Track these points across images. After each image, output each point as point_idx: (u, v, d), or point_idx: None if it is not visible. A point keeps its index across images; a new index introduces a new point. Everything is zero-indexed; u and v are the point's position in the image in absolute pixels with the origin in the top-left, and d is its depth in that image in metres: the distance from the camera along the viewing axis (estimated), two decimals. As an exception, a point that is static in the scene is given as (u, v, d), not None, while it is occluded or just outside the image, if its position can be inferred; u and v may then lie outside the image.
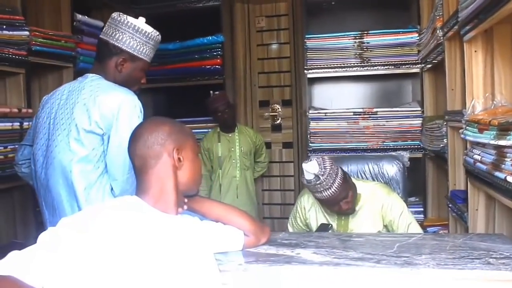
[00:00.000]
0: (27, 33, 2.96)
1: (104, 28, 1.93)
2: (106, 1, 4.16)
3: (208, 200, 1.69)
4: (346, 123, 3.83)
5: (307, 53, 3.94)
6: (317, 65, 3.93)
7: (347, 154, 3.69)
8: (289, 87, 4.49)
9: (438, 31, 2.83)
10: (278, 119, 4.51)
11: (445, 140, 2.82)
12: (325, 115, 3.89)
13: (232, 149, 3.81)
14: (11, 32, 2.87)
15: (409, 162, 2.93)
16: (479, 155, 1.99)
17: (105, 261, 1.17)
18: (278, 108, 4.51)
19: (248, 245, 1.65)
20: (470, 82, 2.24)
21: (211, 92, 3.85)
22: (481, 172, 1.94)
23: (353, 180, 2.42)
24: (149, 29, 1.91)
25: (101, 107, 1.75)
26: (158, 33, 1.97)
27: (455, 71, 2.70)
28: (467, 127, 2.11)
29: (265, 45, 4.58)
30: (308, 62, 3.94)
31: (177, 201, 1.42)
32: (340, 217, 2.40)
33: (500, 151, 1.74)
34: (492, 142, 1.75)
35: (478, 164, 1.97)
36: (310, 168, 2.18)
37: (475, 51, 2.22)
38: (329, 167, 2.19)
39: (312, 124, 3.90)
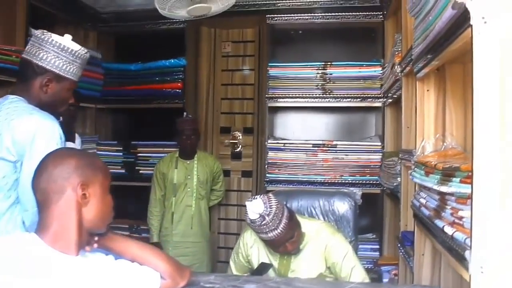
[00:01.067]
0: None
1: (27, 47, 1.82)
2: (71, 18, 4.04)
3: (123, 238, 1.54)
4: (305, 155, 3.75)
5: (269, 82, 3.88)
6: (278, 94, 3.86)
7: (300, 187, 3.61)
8: (252, 115, 4.40)
9: (396, 67, 2.79)
10: (239, 147, 4.40)
11: (399, 179, 2.75)
12: (284, 146, 3.81)
13: (189, 177, 3.62)
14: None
15: (361, 200, 2.85)
16: (424, 198, 1.90)
17: None
18: (239, 136, 4.40)
19: None
20: (421, 122, 2.18)
21: (185, 113, 3.72)
22: (424, 218, 1.84)
23: (299, 217, 2.31)
24: (75, 47, 1.81)
25: (15, 132, 1.64)
26: (86, 50, 1.87)
27: (411, 108, 2.63)
28: (415, 168, 2.02)
29: (230, 70, 4.49)
30: (269, 91, 3.88)
31: (80, 240, 1.31)
32: (283, 256, 2.29)
33: (442, 197, 1.64)
34: (435, 187, 1.66)
35: (423, 208, 1.88)
36: (255, 207, 2.05)
37: (427, 90, 2.16)
38: (275, 206, 2.08)
39: (270, 154, 3.82)
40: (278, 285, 1.66)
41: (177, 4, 2.68)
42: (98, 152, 4.27)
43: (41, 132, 1.64)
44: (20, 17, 3.31)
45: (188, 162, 3.65)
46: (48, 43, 1.75)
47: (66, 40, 1.80)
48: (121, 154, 4.26)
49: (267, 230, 2.06)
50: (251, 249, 2.37)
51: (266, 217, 2.04)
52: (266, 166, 3.84)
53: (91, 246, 1.38)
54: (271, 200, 2.09)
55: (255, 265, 2.33)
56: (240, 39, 4.46)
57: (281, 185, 3.79)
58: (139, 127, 4.63)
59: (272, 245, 2.20)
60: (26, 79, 1.80)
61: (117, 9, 4.24)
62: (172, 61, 4.10)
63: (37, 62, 1.76)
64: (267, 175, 3.82)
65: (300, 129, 4.29)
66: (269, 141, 3.85)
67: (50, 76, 1.78)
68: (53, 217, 1.27)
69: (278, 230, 2.06)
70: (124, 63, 4.32)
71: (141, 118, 4.57)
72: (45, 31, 1.80)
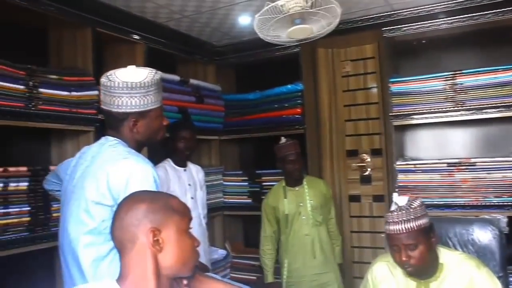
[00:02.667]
0: (96, 92, 3.01)
1: (101, 97, 1.79)
2: (189, 56, 4.18)
3: (212, 280, 1.45)
4: (439, 175, 3.39)
5: (393, 99, 3.60)
6: (404, 111, 3.57)
7: (437, 212, 3.22)
8: (379, 135, 4.11)
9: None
10: (368, 170, 4.13)
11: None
12: (415, 167, 3.48)
13: (301, 204, 3.35)
14: (79, 93, 2.92)
15: (507, 228, 2.44)
16: None
17: None
18: (367, 158, 4.13)
19: None
20: None
21: (282, 137, 3.47)
22: None
23: (438, 247, 2.08)
24: (142, 75, 1.71)
25: (110, 178, 1.62)
26: (154, 71, 1.77)
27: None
28: None
29: (352, 90, 4.27)
30: (394, 108, 3.60)
31: None
32: None
33: None
34: None
35: None
36: (399, 200, 2.04)
37: None
38: (416, 206, 1.99)
39: (400, 177, 3.52)
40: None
41: (278, 28, 2.58)
42: (224, 183, 4.32)
43: (134, 176, 1.61)
44: (139, 61, 3.45)
45: (297, 188, 3.40)
46: (116, 88, 1.69)
47: (131, 73, 1.72)
48: (246, 183, 4.26)
49: (391, 221, 1.97)
50: (381, 285, 2.14)
51: (400, 210, 1.97)
52: (396, 190, 3.52)
53: None
54: (416, 202, 2.02)
55: None
56: (359, 57, 4.22)
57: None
58: (263, 155, 4.59)
59: (389, 243, 2.02)
60: (115, 127, 1.77)
61: (232, 41, 4.29)
62: (290, 86, 4.02)
63: (116, 110, 1.72)
64: (398, 199, 3.51)
65: (433, 147, 3.91)
66: (397, 163, 3.55)
67: (134, 117, 1.74)
68: (129, 266, 1.22)
69: (399, 227, 1.94)
70: (244, 93, 4.34)
71: (264, 146, 4.53)
72: (108, 75, 1.73)
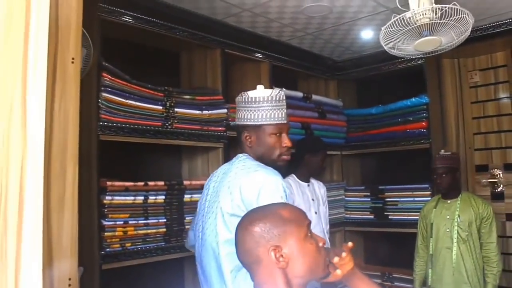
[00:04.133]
0: (225, 110, 3.18)
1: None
2: (311, 72, 4.25)
3: (367, 279, 1.46)
4: None
5: (528, 109, 3.35)
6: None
7: None
8: (512, 149, 3.85)
9: None
10: (500, 186, 3.86)
11: None
12: (556, 183, 3.20)
13: (448, 216, 3.29)
14: (210, 112, 3.10)
15: None
16: None
17: None
18: (499, 174, 3.87)
19: None
20: None
21: (442, 150, 3.45)
22: None
23: None
24: (261, 94, 1.83)
25: (242, 190, 1.71)
26: (277, 91, 1.87)
27: None
28: None
29: (481, 102, 4.04)
30: (529, 119, 3.35)
31: None
32: None
33: None
34: None
35: None
36: None
37: None
38: None
39: (539, 194, 3.25)
40: None
41: (404, 40, 2.53)
42: (346, 198, 4.29)
43: (265, 187, 1.68)
44: (264, 78, 3.58)
45: (448, 201, 3.33)
46: (240, 102, 1.88)
47: (255, 92, 1.85)
48: (369, 199, 4.20)
49: None
50: None
51: None
52: (534, 208, 3.29)
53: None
54: None
55: None
56: (489, 66, 3.99)
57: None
58: (386, 170, 4.51)
59: None
60: (239, 140, 1.93)
61: (353, 56, 4.29)
62: (414, 100, 3.91)
63: (236, 123, 1.92)
64: (536, 218, 3.27)
65: None
66: (535, 179, 3.30)
67: (247, 130, 1.86)
68: (261, 283, 1.26)
69: None
70: (366, 108, 4.30)
71: (387, 161, 4.46)
72: (242, 93, 1.88)
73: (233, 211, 1.71)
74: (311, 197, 3.22)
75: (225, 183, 1.80)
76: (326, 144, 3.40)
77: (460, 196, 3.31)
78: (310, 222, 1.32)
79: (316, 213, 3.18)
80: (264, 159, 1.88)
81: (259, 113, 1.83)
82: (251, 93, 1.85)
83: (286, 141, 1.89)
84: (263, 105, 1.82)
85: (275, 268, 1.24)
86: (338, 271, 1.36)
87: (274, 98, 1.83)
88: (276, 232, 1.25)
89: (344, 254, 1.34)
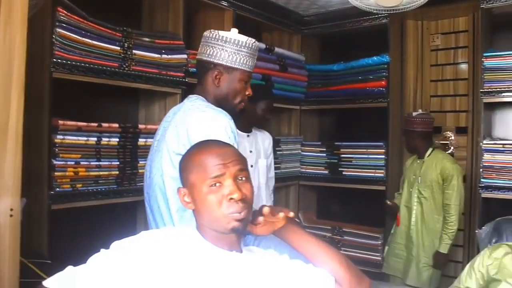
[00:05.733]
0: (185, 56, 3.13)
1: (199, 49, 1.91)
2: (276, 24, 4.19)
3: (304, 232, 1.43)
4: (530, 157, 3.21)
5: (485, 74, 3.43)
6: (496, 88, 3.39)
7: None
8: (465, 113, 3.95)
9: None
10: (450, 148, 3.97)
11: None
12: (503, 147, 3.33)
13: (414, 176, 3.42)
14: (169, 56, 3.03)
15: None
16: None
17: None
18: (451, 136, 3.98)
19: None
20: None
21: (420, 110, 3.57)
22: None
23: None
24: (241, 38, 1.82)
25: (189, 130, 1.70)
26: (253, 40, 1.86)
27: None
28: None
29: (440, 65, 4.10)
30: (485, 84, 3.43)
31: (238, 237, 1.30)
32: None
33: None
34: None
35: None
36: None
37: None
38: None
39: (486, 157, 3.38)
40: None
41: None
42: (303, 153, 4.34)
43: (213, 128, 1.67)
44: (227, 28, 3.49)
45: (418, 161, 3.45)
46: (213, 39, 1.82)
47: (231, 33, 1.84)
48: (324, 155, 4.25)
49: None
50: (490, 259, 2.20)
51: None
52: (481, 170, 3.40)
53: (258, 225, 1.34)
54: None
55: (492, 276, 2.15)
56: (451, 30, 4.03)
57: (499, 192, 3.32)
58: (344, 127, 4.57)
59: None
60: (201, 78, 1.89)
61: (319, 11, 4.25)
62: (375, 58, 3.92)
63: (206, 58, 1.84)
64: (482, 180, 3.39)
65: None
66: (484, 142, 3.41)
67: (219, 69, 1.83)
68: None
69: None
70: (328, 64, 4.30)
71: (345, 118, 4.52)
72: (212, 30, 1.86)
73: (179, 150, 1.69)
74: (249, 149, 3.05)
75: (172, 122, 1.80)
76: (271, 94, 3.27)
77: (429, 155, 3.41)
78: (224, 174, 1.26)
79: (252, 166, 3.02)
80: (223, 103, 1.87)
81: (237, 57, 1.82)
82: (229, 34, 1.83)
83: (250, 90, 1.93)
84: (242, 49, 1.82)
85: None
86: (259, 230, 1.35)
87: (252, 47, 1.85)
88: (185, 175, 1.30)
89: (261, 219, 1.31)
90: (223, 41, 1.80)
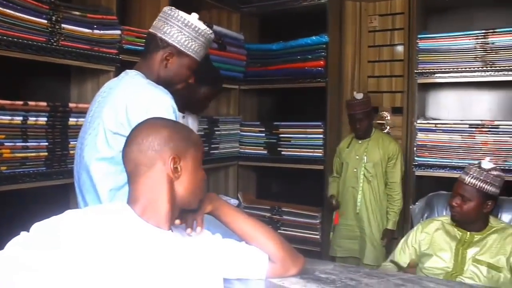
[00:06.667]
0: (118, 32, 2.99)
1: (154, 22, 1.84)
2: (215, 2, 4.09)
3: (236, 211, 1.46)
4: (460, 137, 3.33)
5: (419, 56, 3.50)
6: (430, 69, 3.47)
7: (454, 173, 3.16)
8: (401, 93, 4.04)
9: None
10: (386, 128, 4.06)
11: None
12: (435, 126, 3.43)
13: (357, 156, 3.48)
14: (101, 32, 2.89)
15: None
16: None
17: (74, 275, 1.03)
18: (387, 116, 4.06)
19: (272, 274, 1.40)
20: None
21: (355, 93, 3.59)
22: None
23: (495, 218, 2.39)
24: (201, 25, 1.79)
25: (128, 109, 1.62)
26: (210, 31, 1.83)
27: None
28: None
29: (377, 46, 4.17)
30: (419, 66, 3.51)
31: (172, 215, 1.24)
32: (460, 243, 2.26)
33: None
34: None
35: None
36: (486, 164, 2.24)
37: None
38: (494, 175, 2.21)
39: (420, 136, 3.47)
40: (404, 282, 1.42)
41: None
42: (241, 133, 4.31)
43: (154, 107, 1.61)
44: (164, 4, 3.37)
45: (360, 142, 3.52)
46: (173, 18, 1.76)
47: (193, 18, 1.79)
48: (263, 135, 4.23)
49: (470, 172, 2.22)
50: (423, 234, 2.38)
51: (481, 170, 2.21)
52: (415, 149, 3.50)
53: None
54: (497, 170, 2.25)
55: (423, 251, 2.33)
56: (388, 12, 4.10)
57: (431, 170, 3.43)
58: (283, 107, 4.57)
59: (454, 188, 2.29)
60: (149, 53, 1.82)
61: (259, -11, 4.19)
62: (314, 38, 3.90)
63: (161, 35, 1.77)
64: (416, 158, 3.49)
65: (456, 108, 3.84)
66: (418, 121, 3.50)
67: (171, 50, 1.78)
68: (141, 190, 1.22)
69: (473, 182, 2.19)
70: (267, 43, 4.26)
71: (284, 98, 4.51)
72: (173, 8, 1.81)
73: (117, 129, 1.63)
74: None
75: (109, 98, 1.71)
76: (221, 83, 3.04)
77: (371, 136, 3.49)
78: (204, 153, 1.34)
79: None
80: (164, 85, 1.80)
81: (193, 44, 1.78)
82: (190, 18, 1.77)
83: (193, 79, 1.93)
84: (199, 38, 1.79)
85: (165, 177, 1.22)
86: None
87: (209, 38, 1.83)
88: (182, 144, 1.25)
89: (177, 222, 1.30)
90: (183, 24, 1.75)
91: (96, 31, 2.86)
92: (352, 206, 3.49)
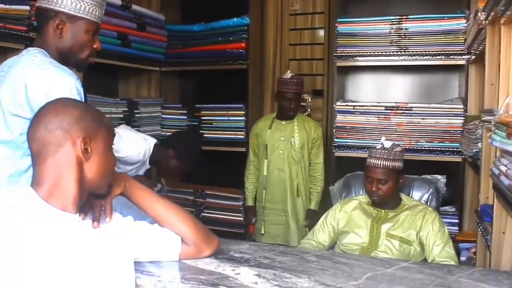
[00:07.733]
0: (27, 8, 2.78)
1: None
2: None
3: (149, 194, 1.41)
4: (377, 118, 3.44)
5: (338, 39, 3.56)
6: (348, 53, 3.54)
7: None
8: (321, 76, 4.11)
9: (480, 14, 2.38)
10: (307, 110, 4.11)
11: (479, 144, 2.38)
12: (353, 108, 3.51)
13: (282, 138, 3.39)
14: (7, 6, 2.69)
15: (445, 188, 2.64)
16: (505, 166, 1.58)
17: None
18: (308, 99, 4.11)
19: (186, 256, 1.38)
20: (505, 75, 1.83)
21: (289, 72, 3.47)
22: (503, 188, 1.53)
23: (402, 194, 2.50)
24: None
25: (28, 89, 1.51)
26: None
27: (497, 62, 2.25)
28: (496, 130, 1.70)
29: (298, 29, 4.20)
30: (338, 49, 3.57)
31: (80, 198, 1.17)
32: (376, 219, 2.38)
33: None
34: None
35: (502, 177, 1.57)
36: (386, 143, 2.38)
37: (514, 36, 1.80)
38: (397, 151, 2.35)
39: (339, 118, 3.55)
40: (317, 259, 1.44)
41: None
42: (163, 116, 4.21)
43: (56, 88, 1.50)
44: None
45: (283, 123, 3.42)
46: None
47: None
48: (185, 117, 4.16)
49: (374, 155, 2.35)
50: (341, 213, 2.47)
51: (383, 149, 2.34)
52: (334, 130, 3.57)
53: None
54: (399, 147, 2.39)
55: (341, 228, 2.43)
56: (309, -5, 4.14)
57: (350, 151, 3.52)
58: (205, 89, 4.51)
59: (366, 174, 2.40)
60: (40, 28, 1.69)
61: (179, -32, 4.08)
62: (235, 20, 3.86)
63: (45, 5, 1.64)
64: (335, 139, 3.56)
65: (374, 91, 3.95)
66: (337, 104, 3.56)
67: (61, 18, 1.64)
68: (48, 172, 1.14)
69: (380, 162, 2.32)
70: (188, 24, 4.17)
71: (206, 80, 4.44)
72: None
73: (16, 111, 1.52)
74: None
75: (8, 78, 1.57)
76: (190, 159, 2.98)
77: (296, 118, 3.44)
78: (115, 136, 1.29)
79: None
80: (68, 57, 1.70)
81: (82, 4, 1.64)
82: None
83: (98, 44, 1.76)
84: None
85: (74, 158, 1.15)
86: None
87: None
88: (93, 125, 1.18)
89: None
90: None
91: (1, 6, 2.66)
92: (279, 189, 3.44)
